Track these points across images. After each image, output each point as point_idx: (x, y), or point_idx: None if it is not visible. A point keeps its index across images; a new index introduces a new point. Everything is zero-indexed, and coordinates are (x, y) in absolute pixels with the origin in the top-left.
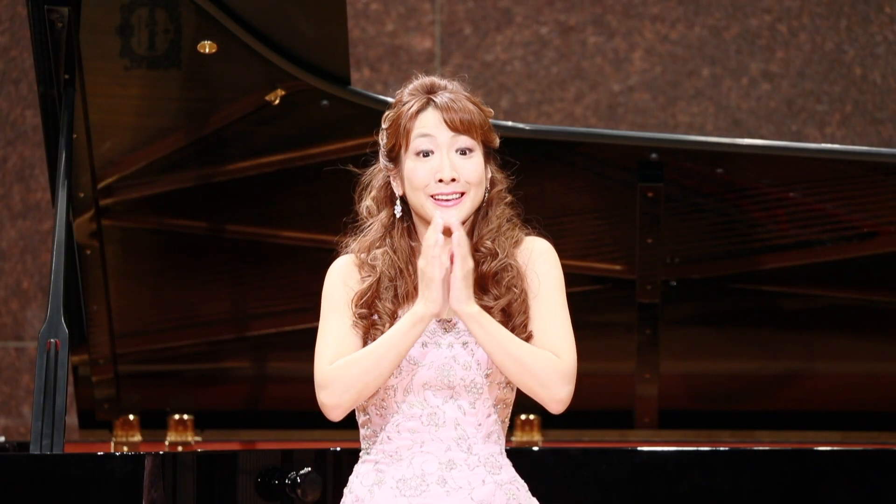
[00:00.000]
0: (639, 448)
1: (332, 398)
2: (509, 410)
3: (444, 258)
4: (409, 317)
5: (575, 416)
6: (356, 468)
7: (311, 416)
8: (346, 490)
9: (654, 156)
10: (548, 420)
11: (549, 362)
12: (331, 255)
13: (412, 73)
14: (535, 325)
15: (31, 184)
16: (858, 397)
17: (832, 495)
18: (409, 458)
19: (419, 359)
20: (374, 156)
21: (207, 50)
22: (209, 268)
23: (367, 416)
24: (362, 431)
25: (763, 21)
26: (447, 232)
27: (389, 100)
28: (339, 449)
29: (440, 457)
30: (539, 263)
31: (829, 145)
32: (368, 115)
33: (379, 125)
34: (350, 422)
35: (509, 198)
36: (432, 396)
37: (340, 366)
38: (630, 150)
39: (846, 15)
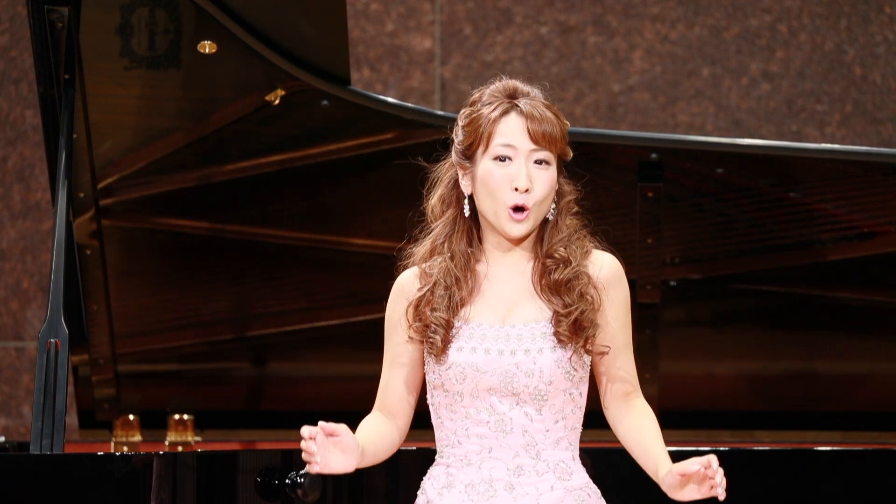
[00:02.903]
0: None
1: None
2: (580, 416)
3: (317, 457)
4: None
5: None
6: (430, 470)
7: (312, 416)
8: (419, 491)
9: (654, 156)
10: None
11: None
12: (329, 254)
13: (412, 72)
14: (610, 354)
15: (31, 184)
16: (858, 397)
17: (832, 495)
18: (478, 463)
19: (483, 366)
20: (443, 151)
21: (207, 50)
22: (209, 268)
23: (440, 420)
24: (437, 434)
25: (763, 21)
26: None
27: (390, 100)
28: None
29: (508, 463)
30: (613, 290)
31: (829, 145)
32: (368, 114)
33: (378, 124)
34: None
35: (576, 208)
36: (498, 403)
37: None
38: (630, 150)
39: (846, 15)
